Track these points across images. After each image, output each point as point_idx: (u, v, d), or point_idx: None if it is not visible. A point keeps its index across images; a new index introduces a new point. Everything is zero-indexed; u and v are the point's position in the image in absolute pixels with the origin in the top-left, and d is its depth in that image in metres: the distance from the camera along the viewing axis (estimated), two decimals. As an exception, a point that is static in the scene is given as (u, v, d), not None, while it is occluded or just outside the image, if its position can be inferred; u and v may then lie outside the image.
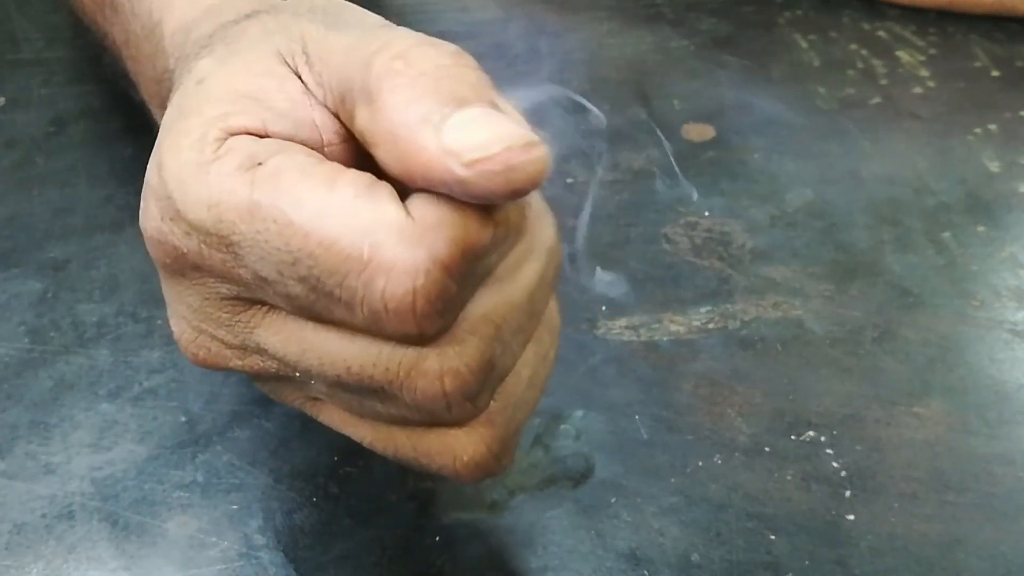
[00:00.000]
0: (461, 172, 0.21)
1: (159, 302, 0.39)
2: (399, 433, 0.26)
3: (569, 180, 0.44)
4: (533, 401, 0.28)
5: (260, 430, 0.34)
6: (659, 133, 0.47)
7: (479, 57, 0.25)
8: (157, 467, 0.33)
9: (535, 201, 0.26)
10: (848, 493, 0.33)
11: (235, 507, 0.32)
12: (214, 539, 0.31)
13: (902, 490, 0.33)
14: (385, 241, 0.22)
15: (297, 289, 0.23)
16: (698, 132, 0.48)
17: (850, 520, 0.32)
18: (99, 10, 0.39)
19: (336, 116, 0.25)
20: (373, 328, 0.23)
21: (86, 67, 0.51)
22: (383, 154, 0.23)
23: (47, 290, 0.39)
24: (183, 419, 0.35)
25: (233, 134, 0.24)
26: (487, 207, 0.23)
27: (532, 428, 0.34)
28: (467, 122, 0.22)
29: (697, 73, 0.52)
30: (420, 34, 0.24)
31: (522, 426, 0.28)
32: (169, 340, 0.37)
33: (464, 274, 0.23)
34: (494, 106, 0.22)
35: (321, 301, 0.23)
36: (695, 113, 0.49)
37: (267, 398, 0.35)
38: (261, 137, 0.24)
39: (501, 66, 0.26)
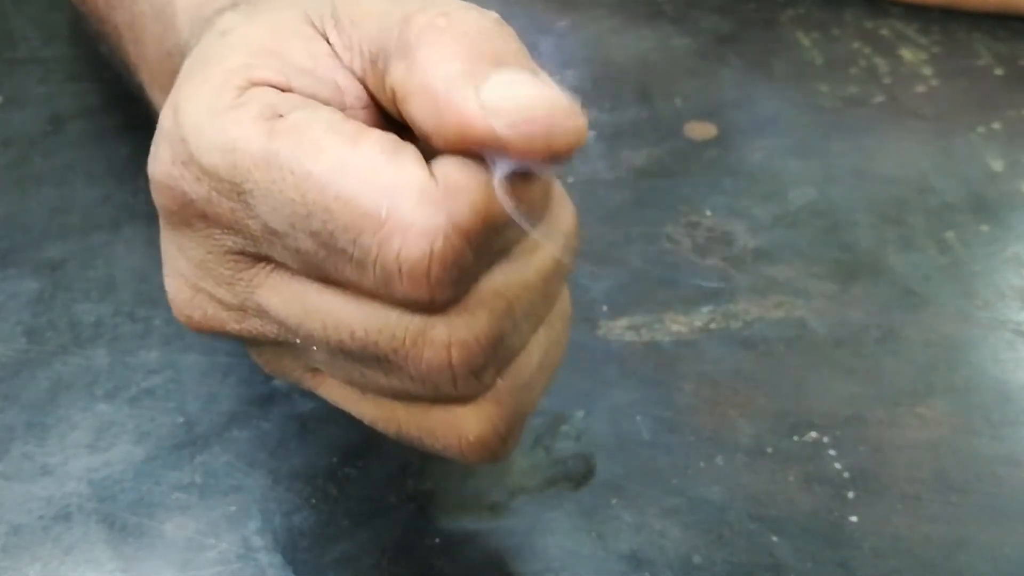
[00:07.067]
0: (502, 131, 0.21)
1: (157, 302, 0.39)
2: (402, 410, 0.26)
3: (571, 179, 0.44)
4: (542, 386, 0.27)
5: (258, 431, 0.34)
6: (661, 132, 0.47)
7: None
8: (155, 468, 0.33)
9: (556, 186, 0.25)
10: (851, 494, 0.33)
11: (233, 508, 0.32)
12: (212, 541, 0.31)
13: (905, 491, 0.33)
14: (405, 201, 0.21)
15: (307, 244, 0.23)
16: (700, 131, 0.47)
17: (853, 522, 0.32)
18: None
19: (362, 82, 0.25)
20: (383, 291, 0.23)
21: (84, 65, 0.50)
22: (416, 109, 0.22)
23: (44, 290, 0.39)
24: (181, 420, 0.34)
25: (255, 84, 0.24)
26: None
27: (533, 429, 0.34)
28: (509, 83, 0.21)
29: (699, 71, 0.51)
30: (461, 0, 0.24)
31: (530, 411, 0.27)
32: (167, 340, 0.37)
33: (482, 243, 0.22)
34: (535, 73, 0.22)
35: (331, 258, 0.23)
36: (697, 111, 0.48)
37: (266, 399, 0.35)
38: (283, 91, 0.24)
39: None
